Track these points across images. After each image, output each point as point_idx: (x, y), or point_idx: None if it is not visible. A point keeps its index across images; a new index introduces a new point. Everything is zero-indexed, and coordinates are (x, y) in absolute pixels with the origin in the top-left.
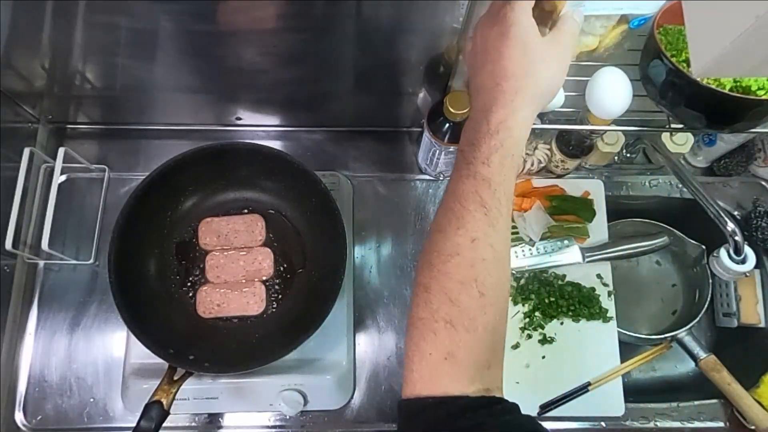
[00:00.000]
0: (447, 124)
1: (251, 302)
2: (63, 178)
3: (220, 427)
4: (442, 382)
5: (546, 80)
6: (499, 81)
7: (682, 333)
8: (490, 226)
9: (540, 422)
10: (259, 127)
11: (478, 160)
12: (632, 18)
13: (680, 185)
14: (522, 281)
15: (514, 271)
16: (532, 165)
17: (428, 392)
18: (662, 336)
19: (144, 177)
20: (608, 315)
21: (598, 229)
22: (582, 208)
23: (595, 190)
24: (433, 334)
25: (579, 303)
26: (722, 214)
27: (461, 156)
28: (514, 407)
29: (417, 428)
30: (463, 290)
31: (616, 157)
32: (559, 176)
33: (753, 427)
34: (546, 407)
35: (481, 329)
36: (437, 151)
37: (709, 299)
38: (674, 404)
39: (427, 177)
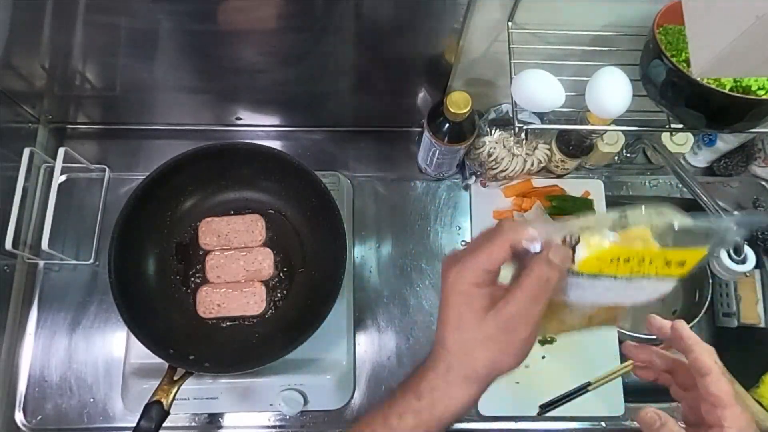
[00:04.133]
0: (447, 124)
1: (251, 302)
2: (63, 178)
3: (220, 427)
4: None
5: (485, 362)
6: (437, 346)
7: None
8: None
9: None
10: (259, 127)
11: (391, 416)
12: None
13: (680, 185)
14: None
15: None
16: (532, 165)
17: None
18: None
19: (144, 177)
20: None
21: None
22: (582, 208)
23: (595, 190)
24: None
25: None
26: (722, 215)
27: (385, 402)
28: None
29: None
30: None
31: (616, 157)
32: (559, 176)
33: None
34: (546, 407)
35: None
36: (437, 151)
37: (709, 299)
38: (674, 404)
39: (427, 177)
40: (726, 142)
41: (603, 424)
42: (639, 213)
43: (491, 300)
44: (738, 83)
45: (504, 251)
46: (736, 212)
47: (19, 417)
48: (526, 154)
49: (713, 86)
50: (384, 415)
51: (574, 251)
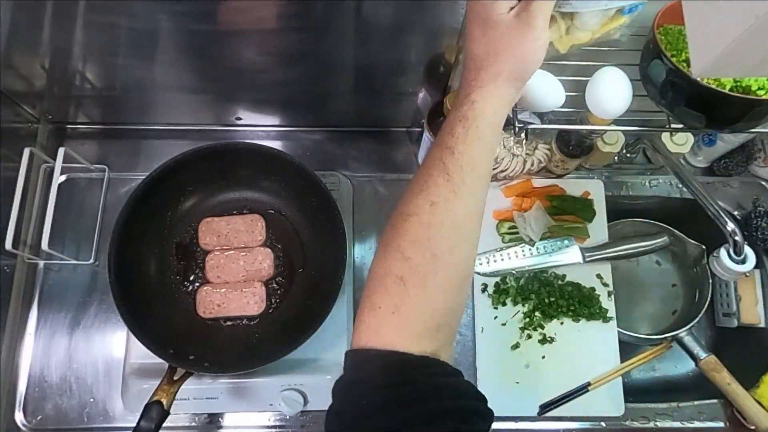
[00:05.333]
0: None
1: (251, 302)
2: (63, 178)
3: (220, 427)
4: (387, 335)
5: (513, 59)
6: (467, 60)
7: (682, 333)
8: (452, 192)
9: (479, 391)
10: (259, 127)
11: (446, 130)
12: (624, 8)
13: (680, 185)
14: (522, 281)
15: (514, 271)
16: (532, 165)
17: (373, 344)
18: (662, 336)
19: (144, 177)
20: (608, 315)
21: (598, 229)
22: (582, 208)
23: (595, 190)
24: (384, 288)
25: (579, 303)
26: (722, 214)
27: (436, 136)
28: (456, 372)
29: (357, 377)
30: (416, 249)
31: (616, 157)
32: (559, 176)
33: (753, 427)
34: (546, 407)
35: (431, 289)
36: None
37: (709, 299)
38: (674, 404)
39: None
40: (726, 142)
41: (603, 424)
42: None
43: (510, 5)
44: (738, 83)
45: None
46: None
47: (19, 417)
48: (526, 154)
49: (713, 86)
50: (439, 143)
51: None
